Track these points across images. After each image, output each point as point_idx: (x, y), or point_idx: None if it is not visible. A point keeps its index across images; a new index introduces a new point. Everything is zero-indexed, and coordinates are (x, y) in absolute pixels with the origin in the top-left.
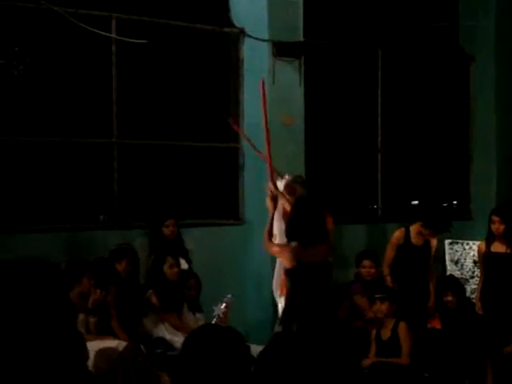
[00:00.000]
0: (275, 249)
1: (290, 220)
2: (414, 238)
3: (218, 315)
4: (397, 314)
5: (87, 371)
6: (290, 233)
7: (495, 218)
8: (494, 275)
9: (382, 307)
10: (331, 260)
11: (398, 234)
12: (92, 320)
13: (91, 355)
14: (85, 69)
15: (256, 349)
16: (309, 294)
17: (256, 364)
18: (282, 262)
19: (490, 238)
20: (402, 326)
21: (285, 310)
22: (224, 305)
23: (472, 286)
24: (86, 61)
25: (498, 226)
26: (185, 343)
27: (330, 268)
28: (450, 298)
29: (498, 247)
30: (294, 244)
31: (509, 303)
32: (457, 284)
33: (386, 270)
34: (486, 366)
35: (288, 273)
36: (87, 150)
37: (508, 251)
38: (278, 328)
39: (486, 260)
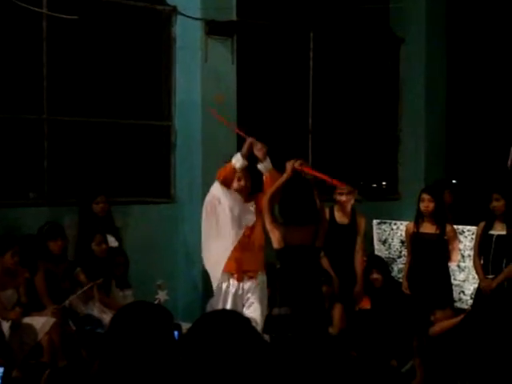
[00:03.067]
0: (268, 226)
1: (280, 199)
2: (339, 217)
3: (159, 299)
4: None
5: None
6: (280, 212)
7: (425, 196)
8: (422, 255)
9: None
10: (319, 244)
11: None
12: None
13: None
14: (15, 44)
15: (187, 327)
16: (297, 277)
17: (184, 340)
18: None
19: (418, 219)
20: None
21: (274, 291)
22: (166, 291)
23: (399, 266)
24: (16, 36)
25: (427, 204)
26: (113, 320)
27: (317, 252)
28: (375, 276)
29: (427, 228)
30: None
31: (435, 283)
32: (381, 262)
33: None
34: (412, 345)
35: (276, 253)
36: (17, 126)
37: (437, 232)
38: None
39: (413, 240)
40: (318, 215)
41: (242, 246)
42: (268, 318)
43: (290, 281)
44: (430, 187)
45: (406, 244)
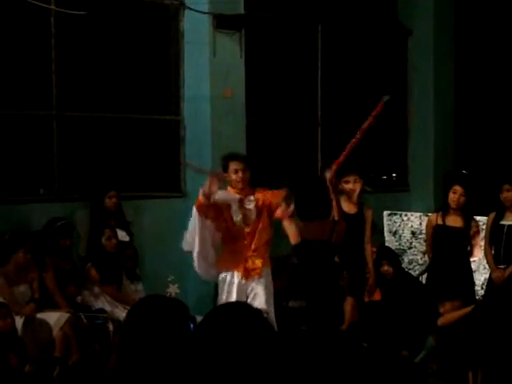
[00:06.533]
0: (285, 222)
1: (295, 196)
2: (346, 207)
3: (170, 293)
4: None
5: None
6: (296, 208)
7: (458, 188)
8: (446, 248)
9: None
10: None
11: None
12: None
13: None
14: (23, 40)
15: (198, 320)
16: (314, 271)
17: (195, 333)
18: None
19: (445, 210)
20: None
21: (290, 283)
22: (177, 285)
23: (409, 257)
24: (24, 32)
25: (459, 197)
26: (129, 313)
27: (333, 248)
28: (386, 268)
29: (452, 221)
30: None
31: (456, 277)
32: (392, 254)
33: None
34: (424, 336)
35: (294, 248)
36: (26, 122)
37: (462, 226)
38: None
39: (437, 232)
40: (329, 212)
41: (246, 246)
42: (284, 309)
43: (307, 275)
44: (462, 179)
45: (425, 236)
